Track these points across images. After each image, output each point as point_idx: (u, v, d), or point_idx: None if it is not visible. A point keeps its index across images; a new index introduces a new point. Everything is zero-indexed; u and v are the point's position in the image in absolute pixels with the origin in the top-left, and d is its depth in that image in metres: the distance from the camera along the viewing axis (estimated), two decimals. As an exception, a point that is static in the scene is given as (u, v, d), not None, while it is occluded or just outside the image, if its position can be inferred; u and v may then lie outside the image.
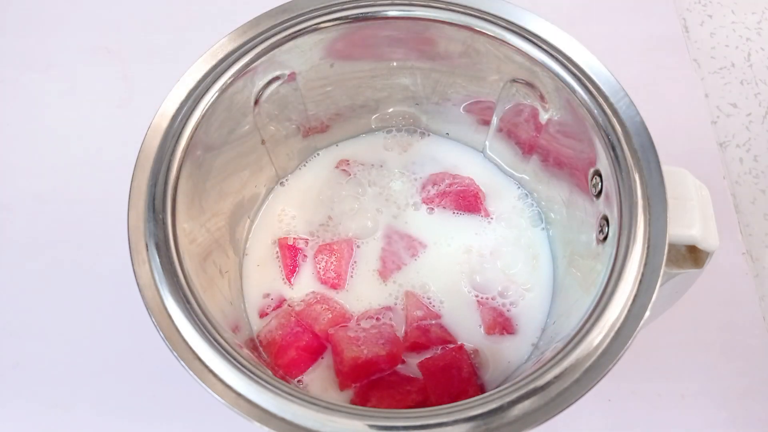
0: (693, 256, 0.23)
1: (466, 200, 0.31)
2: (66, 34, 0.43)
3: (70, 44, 0.42)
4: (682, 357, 0.33)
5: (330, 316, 0.28)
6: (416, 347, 0.28)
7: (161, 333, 0.21)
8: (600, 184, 0.24)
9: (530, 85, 0.26)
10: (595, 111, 0.23)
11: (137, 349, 0.32)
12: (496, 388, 0.20)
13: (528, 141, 0.29)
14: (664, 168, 0.22)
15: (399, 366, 0.27)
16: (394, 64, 0.29)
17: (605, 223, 0.23)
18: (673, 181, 0.22)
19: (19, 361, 0.33)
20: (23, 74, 0.41)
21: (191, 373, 0.20)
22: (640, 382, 0.32)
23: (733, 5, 0.44)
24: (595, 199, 0.25)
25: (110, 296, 0.34)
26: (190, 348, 0.20)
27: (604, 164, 0.23)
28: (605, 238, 0.23)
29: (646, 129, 0.23)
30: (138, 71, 0.41)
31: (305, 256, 0.30)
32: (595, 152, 0.24)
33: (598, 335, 0.20)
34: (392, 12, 0.26)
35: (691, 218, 0.22)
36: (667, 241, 0.21)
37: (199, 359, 0.20)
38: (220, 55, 0.25)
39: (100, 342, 0.33)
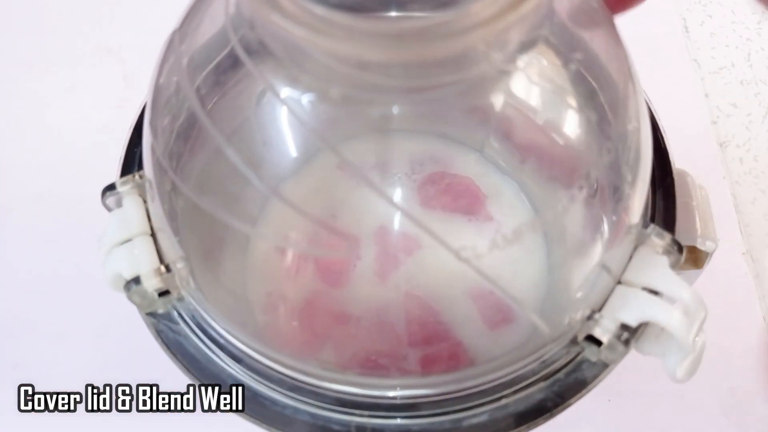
0: (692, 256, 0.23)
1: (465, 200, 0.31)
2: (66, 34, 0.43)
3: (70, 44, 0.42)
4: (682, 357, 0.33)
5: (330, 313, 0.28)
6: (416, 344, 0.28)
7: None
8: (596, 184, 0.24)
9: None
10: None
11: (138, 348, 0.32)
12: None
13: (526, 142, 0.29)
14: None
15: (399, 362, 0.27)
16: (392, 63, 0.29)
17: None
18: (672, 181, 0.22)
19: (19, 362, 0.33)
20: (23, 74, 0.41)
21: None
22: (640, 382, 0.32)
23: (733, 5, 0.44)
24: (590, 199, 0.25)
25: (111, 296, 0.34)
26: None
27: (599, 165, 0.23)
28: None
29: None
30: (138, 71, 0.41)
31: (306, 255, 0.30)
32: (591, 153, 0.24)
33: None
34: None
35: (691, 219, 0.22)
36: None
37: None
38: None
39: (100, 342, 0.33)
